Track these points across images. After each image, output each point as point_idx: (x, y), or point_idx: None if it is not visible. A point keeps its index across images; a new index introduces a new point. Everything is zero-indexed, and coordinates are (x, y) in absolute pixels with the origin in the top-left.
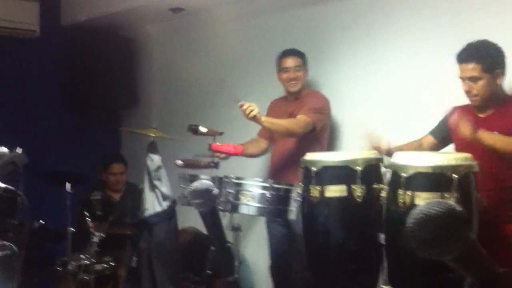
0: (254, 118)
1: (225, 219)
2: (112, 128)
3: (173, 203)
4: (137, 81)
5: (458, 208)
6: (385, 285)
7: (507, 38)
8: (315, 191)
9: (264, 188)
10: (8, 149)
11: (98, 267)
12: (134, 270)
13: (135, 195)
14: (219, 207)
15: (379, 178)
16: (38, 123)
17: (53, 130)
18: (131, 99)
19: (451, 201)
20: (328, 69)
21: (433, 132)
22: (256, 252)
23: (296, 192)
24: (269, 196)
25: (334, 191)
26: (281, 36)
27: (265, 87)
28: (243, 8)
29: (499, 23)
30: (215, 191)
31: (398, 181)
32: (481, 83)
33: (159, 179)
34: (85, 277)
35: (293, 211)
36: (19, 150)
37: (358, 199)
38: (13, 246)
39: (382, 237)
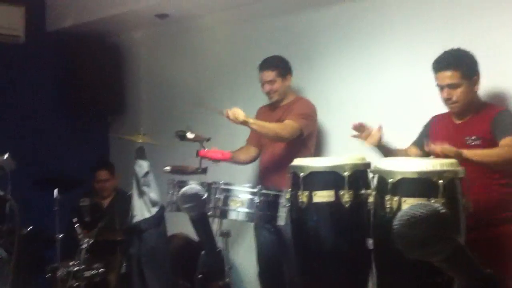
0: (243, 122)
1: (214, 225)
2: (101, 134)
3: (162, 209)
4: (125, 87)
5: (443, 210)
6: None
7: (483, 47)
8: (303, 197)
9: (253, 193)
10: None
11: (88, 273)
12: (124, 276)
13: (124, 201)
14: (208, 212)
15: (366, 184)
16: (25, 129)
17: (41, 136)
18: (119, 105)
19: (436, 203)
20: (315, 75)
21: (416, 143)
22: (246, 258)
23: (285, 198)
24: (258, 201)
25: (322, 196)
26: (268, 42)
27: (253, 93)
28: (229, 14)
29: (474, 32)
30: (205, 195)
31: (385, 186)
32: (460, 90)
33: (148, 185)
34: (75, 284)
35: (282, 217)
36: (6, 155)
37: (346, 204)
38: (3, 250)
39: (370, 242)
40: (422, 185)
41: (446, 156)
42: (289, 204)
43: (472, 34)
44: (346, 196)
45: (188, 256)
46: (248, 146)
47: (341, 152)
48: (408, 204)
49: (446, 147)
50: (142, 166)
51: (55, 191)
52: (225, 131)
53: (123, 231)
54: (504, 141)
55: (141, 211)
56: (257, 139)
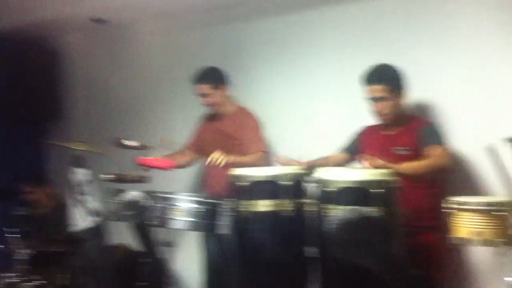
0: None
1: (156, 234)
2: (37, 141)
3: (102, 219)
4: (61, 92)
5: (374, 215)
6: None
7: (410, 62)
8: (245, 206)
9: (194, 202)
10: None
11: (27, 285)
12: (65, 287)
13: (62, 210)
14: (150, 221)
15: (306, 193)
16: None
17: None
18: (56, 111)
19: (368, 209)
20: (250, 85)
21: (346, 149)
22: (188, 268)
23: (227, 207)
24: (199, 210)
25: (264, 205)
26: (205, 51)
27: (190, 102)
28: (167, 22)
29: (402, 48)
30: (146, 203)
31: (325, 195)
32: (388, 103)
33: (86, 194)
34: None
35: (223, 226)
36: None
37: (286, 213)
38: None
39: (309, 250)
40: (359, 193)
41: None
42: (230, 213)
43: (399, 50)
44: (286, 205)
45: (128, 267)
46: (185, 150)
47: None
48: None
49: (381, 163)
50: (80, 174)
51: None
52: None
53: (64, 241)
54: (431, 151)
55: (81, 220)
56: (199, 145)
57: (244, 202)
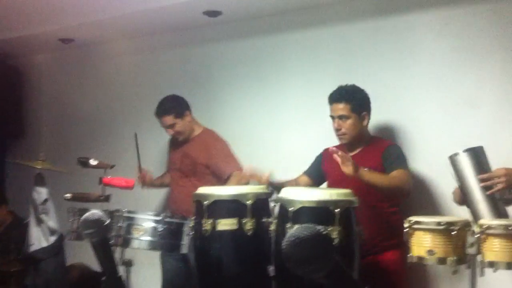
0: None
1: (116, 254)
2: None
3: (61, 238)
4: (25, 110)
5: (324, 232)
6: None
7: (375, 85)
8: (207, 225)
9: (156, 222)
10: None
11: None
12: None
13: (19, 229)
14: (111, 241)
15: (268, 212)
16: None
17: None
18: (18, 129)
19: (319, 226)
20: (219, 106)
21: (307, 172)
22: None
23: (189, 226)
24: (161, 230)
25: (225, 224)
26: (174, 72)
27: (156, 122)
28: (134, 43)
29: (370, 72)
30: (107, 221)
31: (286, 214)
32: (349, 122)
33: (46, 213)
34: None
35: (186, 245)
36: None
37: (248, 232)
38: None
39: (271, 269)
40: (320, 213)
41: (342, 164)
42: (193, 232)
43: (364, 74)
44: (248, 224)
45: (86, 286)
46: (166, 173)
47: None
48: None
49: (346, 155)
50: (41, 193)
51: None
52: (129, 159)
53: (19, 261)
54: (392, 174)
55: (39, 239)
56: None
57: (206, 221)
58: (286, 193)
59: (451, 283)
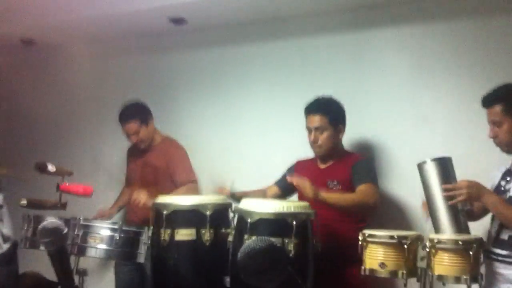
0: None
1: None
2: None
3: (14, 245)
4: None
5: (278, 244)
6: None
7: (349, 100)
8: (165, 234)
9: (113, 230)
10: None
11: None
12: None
13: None
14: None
15: (227, 223)
16: None
17: None
18: None
19: (272, 239)
20: (180, 114)
21: (277, 183)
22: None
23: (146, 235)
24: (118, 238)
25: (184, 234)
26: (136, 78)
27: (118, 128)
28: (96, 48)
29: (331, 85)
30: (65, 230)
31: (245, 225)
32: (325, 134)
33: (0, 219)
34: None
35: (143, 254)
36: None
37: (206, 243)
38: None
39: (227, 280)
40: (277, 225)
41: (303, 190)
42: (150, 242)
43: (326, 86)
44: (207, 235)
45: None
46: (124, 189)
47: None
48: None
49: (306, 183)
50: None
51: None
52: (88, 165)
53: None
54: (359, 188)
55: None
56: (129, 181)
57: (165, 231)
58: (245, 205)
59: None
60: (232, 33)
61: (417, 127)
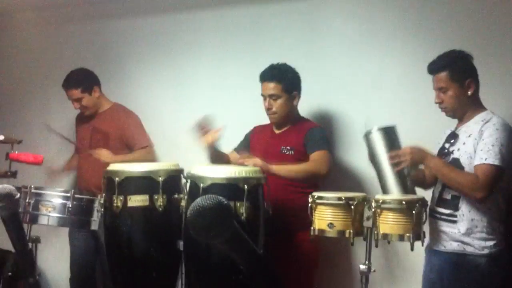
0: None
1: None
2: None
3: None
4: None
5: (225, 201)
6: None
7: (308, 67)
8: (118, 201)
9: (66, 198)
10: None
11: None
12: None
13: None
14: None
15: (179, 189)
16: None
17: None
18: None
19: (219, 196)
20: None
21: (236, 149)
22: (56, 264)
23: (99, 202)
24: (71, 206)
25: (137, 200)
26: (85, 45)
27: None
28: (44, 15)
29: (281, 52)
30: (17, 195)
31: (197, 191)
32: (280, 101)
33: None
34: None
35: (96, 222)
36: None
37: (159, 208)
38: None
39: (181, 243)
40: (229, 189)
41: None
42: (103, 209)
43: (276, 53)
44: (160, 201)
45: None
46: (74, 154)
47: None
48: None
49: (257, 161)
50: None
51: None
52: (37, 134)
53: None
54: (312, 156)
55: None
56: (79, 147)
57: (117, 197)
58: (197, 170)
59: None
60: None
61: (366, 93)
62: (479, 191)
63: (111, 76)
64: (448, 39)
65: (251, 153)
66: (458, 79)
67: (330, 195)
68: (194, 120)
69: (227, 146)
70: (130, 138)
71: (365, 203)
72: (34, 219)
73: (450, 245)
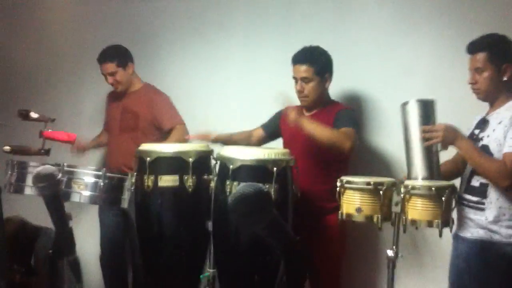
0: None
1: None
2: None
3: None
4: None
5: (265, 189)
6: (211, 268)
7: (339, 49)
8: (148, 181)
9: (97, 176)
10: None
11: None
12: None
13: None
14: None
15: (209, 169)
16: None
17: None
18: None
19: (260, 184)
20: (161, 64)
21: (264, 126)
22: (85, 243)
23: (130, 181)
24: (102, 184)
25: (167, 181)
26: (117, 24)
27: (98, 76)
28: None
29: (312, 35)
30: (59, 175)
31: (226, 172)
32: (311, 84)
33: None
34: None
35: (126, 200)
36: None
37: (189, 189)
38: None
39: (209, 224)
40: (258, 171)
41: (288, 113)
42: (134, 188)
43: (307, 36)
44: (189, 181)
45: (23, 240)
46: (103, 131)
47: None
48: None
49: (292, 109)
50: None
51: None
52: (70, 112)
53: None
54: (339, 130)
55: None
56: (108, 126)
57: (148, 177)
58: (227, 151)
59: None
60: None
61: (398, 77)
62: (506, 179)
63: (143, 56)
64: (483, 24)
65: (281, 133)
66: (495, 62)
67: (358, 180)
68: (225, 101)
69: (255, 125)
70: (162, 119)
71: (394, 188)
72: (66, 197)
73: (477, 233)
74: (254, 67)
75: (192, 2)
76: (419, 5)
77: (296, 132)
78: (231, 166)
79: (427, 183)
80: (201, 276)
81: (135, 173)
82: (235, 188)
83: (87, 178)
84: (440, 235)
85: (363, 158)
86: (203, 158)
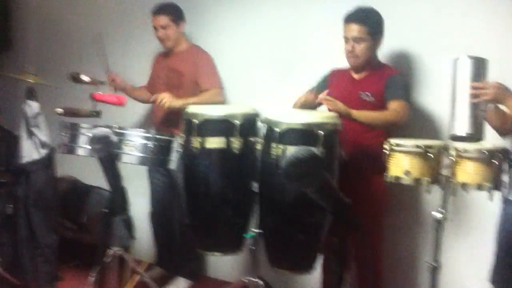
0: (170, 108)
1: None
2: None
3: (52, 151)
4: (13, 22)
5: (318, 153)
6: (256, 229)
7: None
8: (196, 142)
9: (146, 138)
10: None
11: None
12: (9, 217)
13: (9, 141)
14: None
15: (255, 132)
16: None
17: None
18: (4, 40)
19: (313, 148)
20: (207, 24)
21: (315, 89)
22: (135, 201)
23: (177, 143)
24: (151, 146)
25: (214, 142)
26: None
27: (146, 38)
28: None
29: None
30: (114, 138)
31: (272, 135)
32: (363, 45)
33: (37, 126)
34: None
35: (174, 161)
36: None
37: (235, 151)
38: None
39: (255, 185)
40: (305, 135)
41: (336, 112)
42: (181, 149)
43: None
44: (236, 143)
45: (75, 198)
46: (145, 90)
47: (232, 101)
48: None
49: (339, 105)
50: (32, 106)
51: None
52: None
53: (9, 172)
54: (392, 105)
55: (30, 152)
56: (152, 83)
57: (195, 139)
58: (274, 115)
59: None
60: None
61: (449, 35)
62: None
63: (191, 18)
64: None
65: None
66: None
67: (408, 143)
68: (273, 64)
69: (305, 86)
70: (200, 78)
71: (444, 151)
72: (117, 158)
73: None
74: (303, 27)
75: None
76: None
77: (345, 95)
78: (277, 129)
79: (478, 146)
80: (245, 235)
81: (182, 135)
82: (281, 150)
83: (136, 140)
84: (491, 198)
85: (411, 119)
86: (250, 121)
